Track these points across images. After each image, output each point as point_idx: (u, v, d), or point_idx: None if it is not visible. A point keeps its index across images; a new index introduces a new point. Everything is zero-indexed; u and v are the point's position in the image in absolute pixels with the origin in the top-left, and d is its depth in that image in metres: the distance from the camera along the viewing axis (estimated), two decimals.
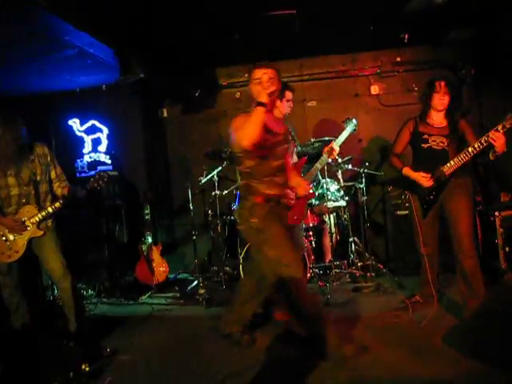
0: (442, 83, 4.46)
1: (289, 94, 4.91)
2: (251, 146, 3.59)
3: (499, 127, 4.00)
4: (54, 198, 4.57)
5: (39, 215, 4.37)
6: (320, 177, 5.58)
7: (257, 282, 4.12)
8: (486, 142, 4.07)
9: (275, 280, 3.83)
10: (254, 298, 4.23)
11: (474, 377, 3.30)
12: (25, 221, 4.34)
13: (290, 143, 4.71)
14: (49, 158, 4.62)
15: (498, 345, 3.62)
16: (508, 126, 3.99)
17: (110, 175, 4.58)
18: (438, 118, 4.53)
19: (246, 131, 3.58)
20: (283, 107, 4.87)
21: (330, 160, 5.36)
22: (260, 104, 3.56)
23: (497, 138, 4.01)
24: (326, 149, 4.92)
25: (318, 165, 5.07)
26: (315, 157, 5.30)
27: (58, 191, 4.58)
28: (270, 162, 3.85)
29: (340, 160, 5.94)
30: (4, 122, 4.35)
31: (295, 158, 4.94)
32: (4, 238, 4.36)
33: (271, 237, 3.81)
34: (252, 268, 4.28)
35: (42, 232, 4.42)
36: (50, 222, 4.54)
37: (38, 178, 4.49)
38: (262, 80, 3.72)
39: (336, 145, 4.93)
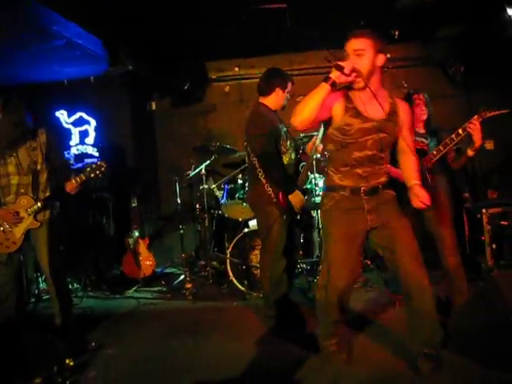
0: (421, 95, 4.47)
1: (290, 86, 4.66)
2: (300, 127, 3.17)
3: (475, 116, 4.04)
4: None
5: (35, 206, 4.28)
6: (308, 172, 5.55)
7: None
8: (463, 131, 4.09)
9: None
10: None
11: (458, 372, 3.30)
12: (19, 212, 4.28)
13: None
14: (51, 146, 4.49)
15: (483, 340, 3.63)
16: (481, 119, 4.02)
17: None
18: (418, 126, 4.49)
19: (298, 107, 3.17)
20: (283, 98, 4.63)
21: (318, 155, 5.31)
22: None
23: (473, 128, 4.04)
24: (309, 147, 4.80)
25: (307, 164, 4.96)
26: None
27: (53, 180, 4.46)
28: (351, 151, 3.29)
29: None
30: (5, 107, 4.29)
31: (294, 155, 4.80)
32: (1, 229, 4.29)
33: (330, 235, 3.45)
34: None
35: (38, 223, 4.34)
36: (46, 214, 4.48)
37: (39, 167, 4.38)
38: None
39: (318, 141, 4.81)
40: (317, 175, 5.87)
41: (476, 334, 3.81)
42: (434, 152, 4.26)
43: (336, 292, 3.42)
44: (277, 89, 4.58)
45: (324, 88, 3.13)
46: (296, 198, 4.43)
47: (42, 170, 4.41)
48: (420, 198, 3.22)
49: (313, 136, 6.09)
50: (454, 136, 4.15)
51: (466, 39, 6.55)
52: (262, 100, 4.65)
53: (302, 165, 5.06)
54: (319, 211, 3.57)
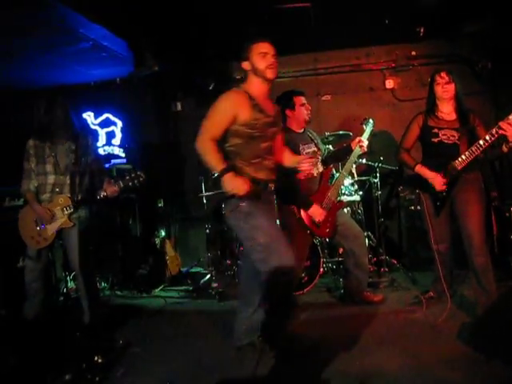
0: (443, 73, 4.42)
1: (299, 99, 4.81)
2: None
3: (510, 116, 3.93)
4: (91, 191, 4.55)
5: (71, 206, 4.37)
6: (334, 171, 5.54)
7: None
8: (496, 133, 4.00)
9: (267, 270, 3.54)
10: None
11: (487, 373, 3.26)
12: (54, 210, 4.35)
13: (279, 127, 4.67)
14: (90, 150, 4.63)
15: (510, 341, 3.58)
16: None
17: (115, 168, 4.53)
18: (447, 110, 4.45)
19: (202, 141, 3.61)
20: (300, 114, 4.80)
21: (357, 160, 5.36)
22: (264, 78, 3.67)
23: (507, 128, 3.94)
24: (354, 142, 4.85)
25: (352, 159, 4.97)
26: (338, 154, 5.24)
27: (94, 184, 4.57)
28: (259, 143, 3.65)
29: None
30: (51, 107, 4.40)
31: (320, 168, 4.87)
32: (35, 224, 4.38)
33: (263, 222, 3.59)
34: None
35: (71, 223, 4.42)
36: (82, 213, 4.53)
37: (76, 168, 4.48)
38: (269, 54, 3.68)
39: (365, 138, 4.86)
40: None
41: (503, 335, 3.76)
42: (467, 154, 4.19)
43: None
44: (286, 111, 4.82)
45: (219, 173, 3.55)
46: (314, 212, 4.63)
47: (80, 171, 4.50)
48: None
49: (339, 134, 6.12)
50: (488, 137, 4.06)
51: (492, 35, 6.47)
52: (286, 124, 4.86)
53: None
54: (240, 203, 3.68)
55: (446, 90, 4.41)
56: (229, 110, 3.60)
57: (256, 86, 3.72)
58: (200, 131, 3.62)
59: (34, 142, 4.47)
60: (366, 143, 4.80)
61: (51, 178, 4.41)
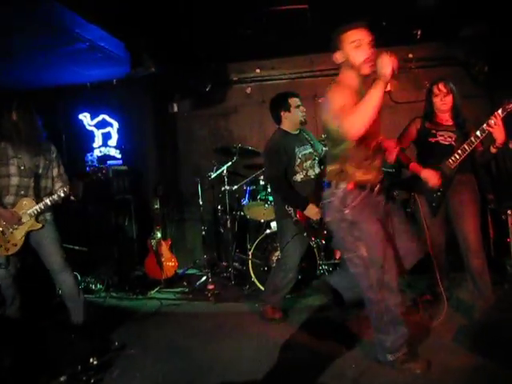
0: (440, 85, 4.43)
1: (294, 101, 4.80)
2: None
3: (497, 112, 3.95)
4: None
5: (37, 207, 4.34)
6: None
7: None
8: (486, 129, 4.02)
9: (370, 285, 3.34)
10: None
11: (483, 375, 3.28)
12: (22, 214, 4.32)
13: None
14: (54, 155, 4.62)
15: (508, 344, 3.58)
16: (505, 112, 3.95)
17: (111, 169, 4.54)
18: (444, 117, 4.49)
19: (358, 117, 3.00)
20: (295, 116, 4.80)
21: None
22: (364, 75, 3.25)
23: (494, 126, 3.95)
24: None
25: None
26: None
27: (57, 189, 4.53)
28: (369, 142, 3.33)
29: None
30: (20, 110, 4.37)
31: (317, 169, 4.88)
32: (1, 230, 4.33)
33: (368, 233, 3.31)
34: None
35: (40, 225, 4.39)
36: (48, 215, 4.52)
37: (40, 171, 4.48)
38: (363, 42, 3.23)
39: None
40: None
41: (500, 337, 3.77)
42: (460, 152, 4.21)
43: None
44: (281, 113, 4.82)
45: (382, 89, 3.02)
46: (310, 212, 4.61)
47: (43, 175, 4.50)
48: None
49: None
50: (478, 133, 4.09)
51: (489, 38, 6.48)
52: (281, 125, 4.90)
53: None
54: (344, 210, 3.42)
55: (444, 102, 4.44)
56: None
57: (352, 80, 3.34)
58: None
59: None
60: None
61: (15, 180, 4.38)
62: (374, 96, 3.00)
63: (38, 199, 4.40)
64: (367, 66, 3.19)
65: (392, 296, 3.33)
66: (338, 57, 3.36)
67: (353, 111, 3.02)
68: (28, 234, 4.42)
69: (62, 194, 4.41)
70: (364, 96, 3.05)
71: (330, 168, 3.50)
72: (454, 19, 5.99)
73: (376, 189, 3.41)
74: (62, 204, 4.45)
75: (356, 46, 3.22)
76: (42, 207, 4.36)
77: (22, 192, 4.38)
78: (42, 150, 4.51)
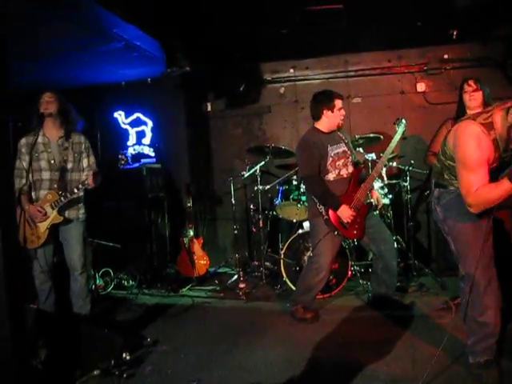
0: (470, 81, 4.43)
1: (339, 102, 4.78)
2: None
3: None
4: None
5: (58, 199, 4.40)
6: (364, 172, 5.51)
7: None
8: None
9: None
10: None
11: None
12: (46, 207, 4.40)
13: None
14: (83, 147, 4.70)
15: None
16: None
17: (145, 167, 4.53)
18: None
19: (481, 202, 2.99)
20: (335, 118, 4.78)
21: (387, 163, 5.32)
22: None
23: None
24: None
25: (374, 173, 4.94)
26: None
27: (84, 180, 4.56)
28: None
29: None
30: (62, 105, 4.51)
31: (351, 169, 4.88)
32: (28, 224, 4.41)
33: (454, 229, 3.34)
34: None
35: (61, 218, 4.45)
36: (81, 213, 4.62)
37: (69, 165, 4.57)
38: None
39: (392, 145, 4.83)
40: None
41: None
42: None
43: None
44: (324, 111, 4.78)
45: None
46: (343, 213, 4.63)
47: (73, 168, 4.59)
48: None
49: (369, 137, 6.10)
50: None
51: None
52: (316, 124, 4.89)
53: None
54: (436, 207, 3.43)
55: (473, 97, 4.43)
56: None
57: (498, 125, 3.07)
58: None
59: (27, 140, 4.52)
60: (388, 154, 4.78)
61: (46, 175, 4.47)
62: (506, 190, 2.88)
63: (65, 193, 4.45)
64: None
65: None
66: None
67: (481, 190, 2.95)
68: (57, 229, 4.50)
69: (82, 187, 4.45)
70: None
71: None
72: (491, 19, 5.91)
73: None
74: (97, 200, 4.51)
75: None
76: (63, 200, 4.41)
77: (55, 186, 4.48)
78: (72, 144, 4.59)
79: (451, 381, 3.33)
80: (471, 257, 3.19)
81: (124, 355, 3.73)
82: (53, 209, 4.41)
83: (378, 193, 5.79)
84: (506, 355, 3.44)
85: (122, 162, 4.62)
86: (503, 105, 3.03)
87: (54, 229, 4.52)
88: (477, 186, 2.95)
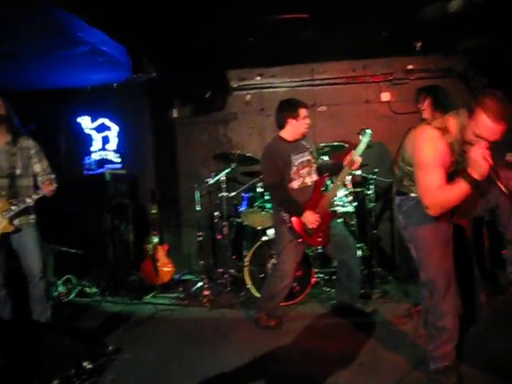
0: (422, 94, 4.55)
1: (304, 111, 4.80)
2: None
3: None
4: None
5: (9, 209, 4.29)
6: (329, 182, 5.55)
7: None
8: None
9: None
10: None
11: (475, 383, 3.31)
12: None
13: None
14: (32, 151, 4.57)
15: (502, 354, 3.57)
16: None
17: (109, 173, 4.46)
18: None
19: (439, 203, 3.06)
20: (300, 126, 4.80)
21: (351, 172, 5.33)
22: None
23: None
24: (346, 161, 4.84)
25: (340, 178, 4.91)
26: (331, 168, 5.27)
27: (42, 185, 4.46)
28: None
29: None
30: (8, 110, 4.39)
31: (315, 177, 4.91)
32: None
33: (414, 236, 3.39)
34: None
35: (13, 227, 4.34)
36: (31, 218, 4.52)
37: (18, 171, 4.44)
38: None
39: (355, 155, 4.81)
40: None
41: (491, 344, 3.76)
42: None
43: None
44: (289, 119, 4.80)
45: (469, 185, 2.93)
46: (307, 219, 4.63)
47: (23, 175, 4.47)
48: None
49: (334, 145, 6.15)
50: None
51: (488, 52, 6.52)
52: (280, 132, 4.90)
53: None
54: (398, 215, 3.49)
55: (421, 107, 4.52)
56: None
57: (454, 129, 3.16)
58: None
59: None
60: (359, 160, 4.76)
61: None
62: (462, 190, 2.95)
63: (16, 200, 4.34)
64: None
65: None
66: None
67: (438, 191, 3.02)
68: (8, 237, 4.40)
69: (35, 197, 4.37)
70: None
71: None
72: (454, 32, 6.02)
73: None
74: (59, 206, 4.43)
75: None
76: (15, 208, 4.31)
77: (4, 193, 4.34)
78: (20, 149, 4.48)
79: None
80: (431, 263, 3.25)
81: (85, 364, 3.69)
82: (3, 217, 4.28)
83: (342, 201, 5.86)
84: (465, 361, 3.49)
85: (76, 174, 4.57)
86: (457, 112, 3.10)
87: (6, 236, 4.40)
88: (434, 187, 3.02)
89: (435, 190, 3.02)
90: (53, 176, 4.57)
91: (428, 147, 3.07)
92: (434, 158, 3.04)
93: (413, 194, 3.33)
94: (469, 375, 3.37)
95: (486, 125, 2.85)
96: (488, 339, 3.49)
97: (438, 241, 3.23)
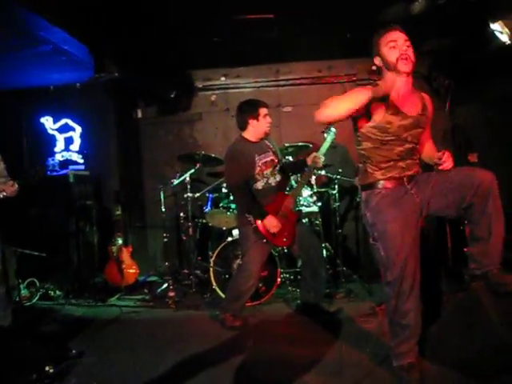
0: None
1: (264, 110, 4.81)
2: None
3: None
4: None
5: None
6: (293, 182, 5.57)
7: None
8: None
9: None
10: None
11: (437, 379, 3.35)
12: None
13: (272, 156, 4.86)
14: None
15: (463, 350, 3.62)
16: None
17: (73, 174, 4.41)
18: None
19: (328, 107, 3.13)
20: (261, 126, 4.81)
21: (315, 170, 5.35)
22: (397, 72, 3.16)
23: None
24: (309, 159, 4.87)
25: (302, 181, 4.98)
26: (294, 166, 5.30)
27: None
28: (393, 148, 3.25)
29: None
30: None
31: (279, 177, 4.91)
32: None
33: (385, 235, 3.27)
34: None
35: None
36: None
37: None
38: (399, 43, 3.17)
39: (320, 154, 4.83)
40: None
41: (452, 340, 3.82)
42: None
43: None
44: (250, 120, 4.80)
45: (367, 96, 3.07)
46: (269, 224, 4.63)
47: None
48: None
49: (298, 145, 6.18)
50: None
51: (451, 53, 6.62)
52: (243, 133, 4.90)
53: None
54: (366, 212, 3.39)
55: None
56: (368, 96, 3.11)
57: (392, 83, 3.23)
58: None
59: None
60: (322, 158, 4.78)
61: None
62: (355, 96, 3.11)
63: None
64: (403, 64, 3.14)
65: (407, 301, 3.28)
66: (377, 61, 3.36)
67: (331, 100, 3.14)
68: None
69: None
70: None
71: (360, 168, 3.49)
72: (417, 33, 6.08)
73: (404, 187, 3.28)
74: (21, 208, 4.37)
75: (392, 46, 3.20)
76: None
77: None
78: None
79: None
80: (398, 263, 3.26)
81: (47, 368, 3.62)
82: None
83: (307, 201, 5.89)
84: (427, 358, 3.53)
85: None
86: None
87: None
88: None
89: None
90: (9, 179, 4.50)
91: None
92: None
93: (380, 185, 3.31)
94: (431, 372, 3.40)
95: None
96: (450, 336, 3.52)
97: (406, 241, 3.24)
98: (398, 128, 3.20)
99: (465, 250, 5.40)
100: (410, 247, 3.23)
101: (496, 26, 5.20)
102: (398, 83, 3.23)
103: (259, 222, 4.63)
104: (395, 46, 3.17)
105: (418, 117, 3.27)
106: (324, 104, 3.13)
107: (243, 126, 4.85)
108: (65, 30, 5.17)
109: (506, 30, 5.13)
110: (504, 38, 5.22)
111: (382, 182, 3.29)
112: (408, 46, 3.16)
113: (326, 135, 4.94)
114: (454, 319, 3.53)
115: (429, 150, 3.51)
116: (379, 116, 3.20)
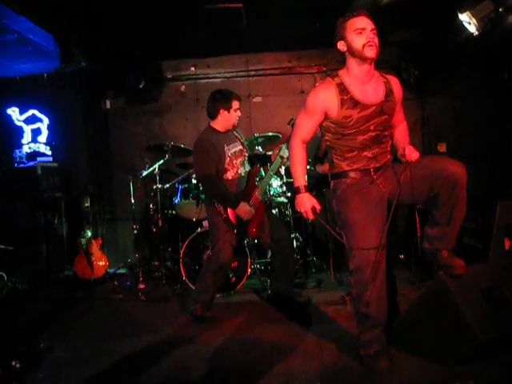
0: None
1: (236, 104, 4.79)
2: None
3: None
4: None
5: None
6: (263, 172, 5.57)
7: None
8: None
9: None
10: None
11: (405, 368, 3.36)
12: None
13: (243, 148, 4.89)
14: None
15: (431, 338, 3.67)
16: None
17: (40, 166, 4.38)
18: None
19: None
20: (232, 118, 4.78)
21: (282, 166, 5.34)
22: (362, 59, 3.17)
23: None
24: (274, 154, 4.90)
25: (270, 172, 4.95)
26: (263, 158, 5.30)
27: None
28: (355, 138, 3.28)
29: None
30: None
31: (247, 167, 4.92)
32: None
33: (349, 224, 3.34)
34: None
35: None
36: None
37: None
38: (367, 29, 3.16)
39: (284, 151, 4.82)
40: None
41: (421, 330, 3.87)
42: None
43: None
44: (221, 110, 4.76)
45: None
46: (241, 211, 4.66)
47: None
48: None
49: (268, 136, 6.17)
50: None
51: (419, 44, 6.68)
52: (212, 123, 4.86)
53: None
54: (333, 200, 3.48)
55: None
56: (318, 108, 3.27)
57: (355, 70, 3.24)
58: (292, 131, 3.51)
59: None
60: (286, 154, 4.76)
61: None
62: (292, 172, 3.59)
63: None
64: (369, 50, 3.13)
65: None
66: (340, 45, 3.28)
67: (297, 133, 3.50)
68: None
69: None
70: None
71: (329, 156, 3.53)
72: (387, 23, 6.12)
73: (369, 177, 3.33)
74: None
75: (358, 32, 3.16)
76: None
77: None
78: None
79: (343, 372, 3.41)
80: (359, 250, 3.29)
81: (13, 363, 3.58)
82: None
83: (276, 191, 5.89)
84: (394, 346, 3.57)
85: None
86: None
87: None
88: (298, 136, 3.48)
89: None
90: None
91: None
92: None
93: (345, 175, 3.35)
94: (399, 360, 3.44)
95: None
96: (416, 323, 3.57)
97: (370, 229, 3.26)
98: (358, 120, 3.21)
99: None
100: (373, 237, 3.25)
101: (464, 17, 5.24)
102: (361, 69, 3.24)
103: (230, 211, 4.63)
104: (362, 33, 3.16)
105: (382, 104, 3.26)
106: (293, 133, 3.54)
107: (213, 115, 4.80)
108: (29, 18, 5.08)
109: (474, 20, 5.17)
110: (472, 29, 5.26)
111: (347, 172, 3.34)
112: (374, 34, 3.17)
113: (291, 127, 4.93)
114: (421, 307, 3.57)
115: (399, 136, 3.54)
116: (333, 112, 3.23)
